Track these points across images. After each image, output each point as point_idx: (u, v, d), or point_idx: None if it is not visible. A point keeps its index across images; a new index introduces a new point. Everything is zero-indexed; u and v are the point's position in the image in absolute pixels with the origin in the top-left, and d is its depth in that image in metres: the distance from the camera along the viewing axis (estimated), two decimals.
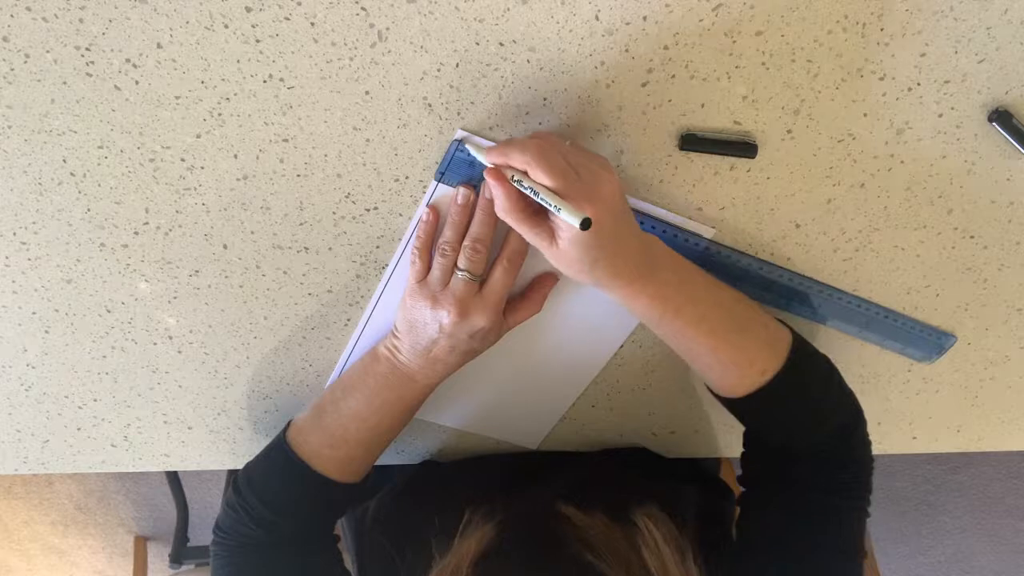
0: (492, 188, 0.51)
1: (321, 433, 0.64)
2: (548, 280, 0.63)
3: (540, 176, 0.47)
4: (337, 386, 0.65)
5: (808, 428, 0.59)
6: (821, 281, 0.65)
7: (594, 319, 0.67)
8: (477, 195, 0.56)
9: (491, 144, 0.53)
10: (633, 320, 0.67)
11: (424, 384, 0.63)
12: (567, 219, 0.46)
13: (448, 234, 0.57)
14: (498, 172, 0.51)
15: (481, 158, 0.53)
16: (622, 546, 0.53)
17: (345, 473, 0.64)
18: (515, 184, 0.50)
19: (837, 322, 0.68)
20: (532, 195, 0.48)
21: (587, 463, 0.76)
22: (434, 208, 0.58)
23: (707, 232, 0.61)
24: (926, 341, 0.71)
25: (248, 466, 0.67)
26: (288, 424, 0.66)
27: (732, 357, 0.58)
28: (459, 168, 0.56)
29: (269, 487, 0.64)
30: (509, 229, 0.56)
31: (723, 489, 0.80)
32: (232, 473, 1.52)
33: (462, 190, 0.56)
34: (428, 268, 0.58)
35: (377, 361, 0.63)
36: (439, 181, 0.57)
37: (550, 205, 0.47)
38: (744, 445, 0.65)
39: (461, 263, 0.56)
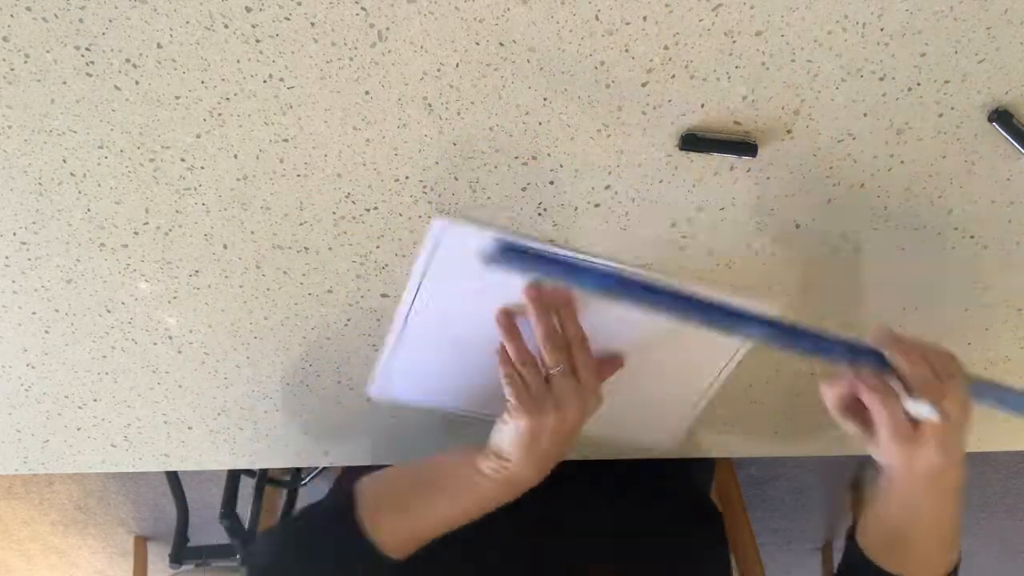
0: (876, 396, 0.53)
1: (402, 526, 0.62)
2: (616, 363, 0.64)
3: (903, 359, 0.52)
4: (424, 482, 0.64)
5: None
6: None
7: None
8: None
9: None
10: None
11: (524, 488, 0.62)
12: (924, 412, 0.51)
13: (518, 345, 0.58)
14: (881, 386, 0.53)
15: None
16: None
17: (406, 554, 0.62)
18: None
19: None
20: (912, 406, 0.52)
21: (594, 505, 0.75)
22: (509, 331, 0.59)
23: (773, 309, 0.59)
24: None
25: (305, 527, 0.65)
26: (352, 495, 0.63)
27: (952, 537, 0.62)
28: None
29: (326, 560, 0.62)
30: (563, 317, 0.58)
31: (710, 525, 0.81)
32: (233, 473, 1.52)
33: (530, 293, 0.57)
34: (523, 382, 0.58)
35: (481, 476, 0.61)
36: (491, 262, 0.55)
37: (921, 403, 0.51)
38: None
39: (548, 362, 0.57)
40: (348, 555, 0.62)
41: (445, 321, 0.61)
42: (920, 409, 0.52)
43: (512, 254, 0.54)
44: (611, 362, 0.64)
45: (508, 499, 0.62)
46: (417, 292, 0.59)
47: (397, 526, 0.62)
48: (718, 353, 0.66)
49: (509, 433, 0.59)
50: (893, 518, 0.62)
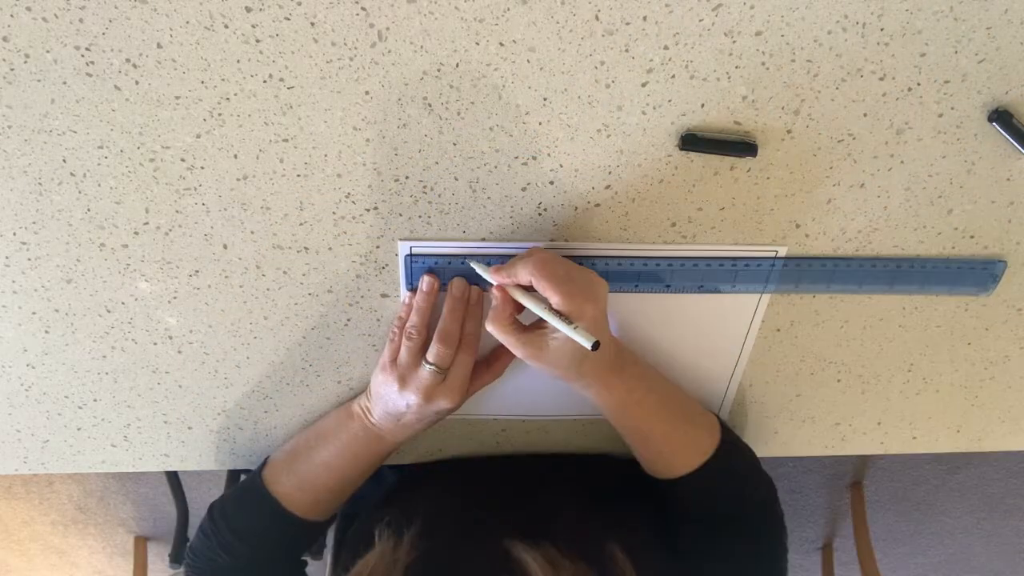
0: (497, 302, 0.57)
1: (293, 476, 0.68)
2: (509, 355, 0.66)
3: (545, 286, 0.53)
4: (312, 433, 0.70)
5: (739, 501, 0.66)
6: (833, 256, 0.64)
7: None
8: (442, 287, 0.62)
9: (486, 265, 0.60)
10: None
11: (392, 442, 0.67)
12: (580, 340, 0.52)
13: (415, 319, 0.61)
14: (503, 289, 0.57)
15: (487, 276, 0.58)
16: None
17: (312, 512, 0.69)
18: (518, 298, 0.56)
19: (868, 286, 0.66)
20: (540, 314, 0.54)
21: (562, 488, 0.75)
22: (413, 293, 0.63)
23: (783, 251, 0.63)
24: (974, 274, 0.65)
25: (224, 496, 0.71)
26: (265, 462, 0.71)
27: (682, 441, 0.65)
28: (419, 274, 0.62)
29: (240, 518, 0.68)
30: (467, 315, 0.62)
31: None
32: (233, 473, 1.52)
33: (426, 279, 0.61)
34: (396, 353, 0.62)
35: (351, 419, 0.68)
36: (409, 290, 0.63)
37: (561, 325, 0.53)
38: (668, 523, 0.68)
39: (430, 357, 0.60)
40: (260, 516, 0.68)
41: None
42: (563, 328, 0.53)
43: (419, 260, 0.61)
44: (488, 375, 0.66)
45: (379, 450, 0.68)
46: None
47: (289, 478, 0.68)
48: (735, 317, 0.67)
49: (372, 384, 0.65)
50: (622, 429, 0.65)
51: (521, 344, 0.56)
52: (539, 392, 0.73)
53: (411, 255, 0.61)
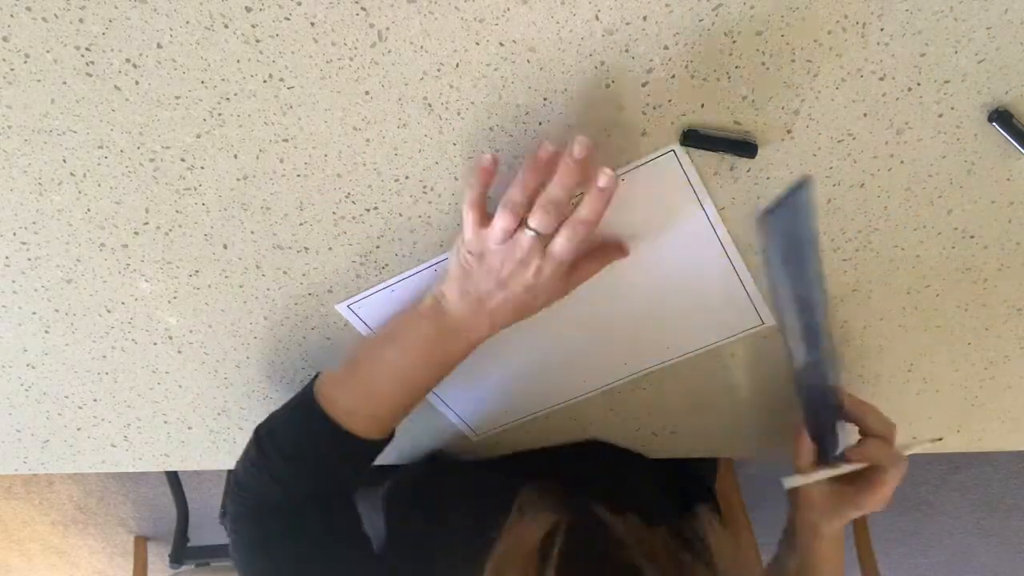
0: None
1: (353, 387, 0.60)
2: (617, 251, 0.60)
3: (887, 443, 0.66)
4: (375, 337, 0.62)
5: None
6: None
7: (687, 309, 0.67)
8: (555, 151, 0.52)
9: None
10: (731, 328, 0.70)
11: (468, 339, 0.58)
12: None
13: (517, 195, 0.52)
14: None
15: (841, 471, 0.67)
16: (666, 554, 0.55)
17: (373, 430, 0.61)
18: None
19: None
20: (843, 465, 0.66)
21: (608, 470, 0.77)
22: (496, 158, 0.53)
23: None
24: None
25: (271, 418, 0.62)
26: (315, 376, 0.62)
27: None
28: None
29: (292, 443, 0.60)
30: (584, 194, 0.52)
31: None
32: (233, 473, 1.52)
33: (545, 143, 0.51)
34: (484, 218, 0.54)
35: (419, 315, 0.59)
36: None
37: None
38: None
39: (532, 221, 0.52)
40: (315, 437, 0.60)
41: None
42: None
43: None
44: (589, 265, 0.59)
45: (454, 353, 0.59)
46: (443, 259, 0.61)
47: (349, 394, 0.60)
48: (705, 240, 0.63)
49: (454, 253, 0.56)
50: (797, 568, 0.72)
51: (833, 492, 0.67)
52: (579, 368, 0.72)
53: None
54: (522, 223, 0.52)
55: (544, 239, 0.53)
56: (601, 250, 0.60)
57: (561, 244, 0.53)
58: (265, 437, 0.60)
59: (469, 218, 0.54)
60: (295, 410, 0.62)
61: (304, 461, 0.60)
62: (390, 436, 0.64)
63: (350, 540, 0.61)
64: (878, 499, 0.67)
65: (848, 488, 0.67)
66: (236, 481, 0.62)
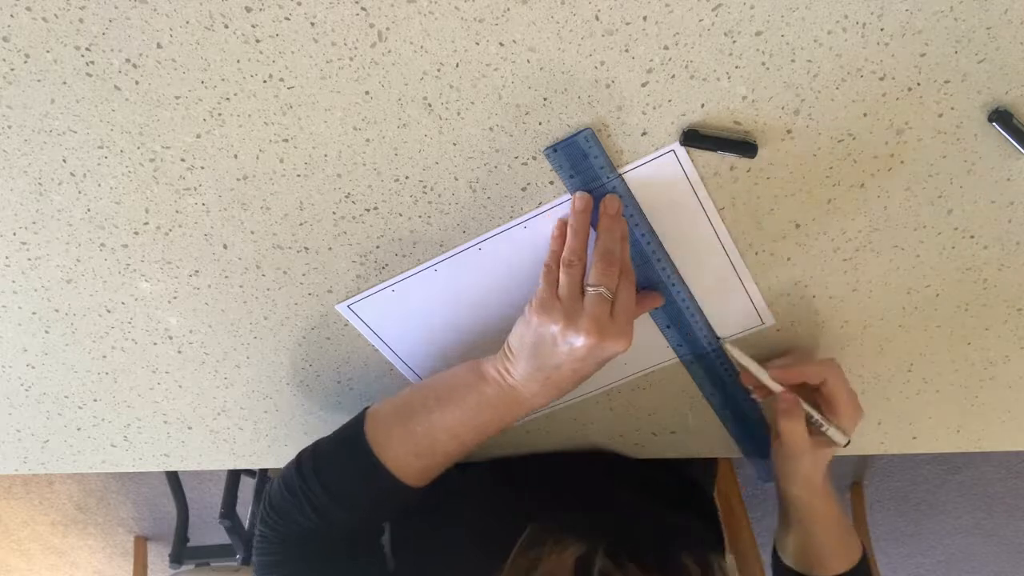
0: (784, 404, 0.65)
1: (407, 439, 0.60)
2: (653, 301, 0.64)
3: (840, 386, 0.65)
4: (430, 393, 0.62)
5: None
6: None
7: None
8: (596, 201, 0.56)
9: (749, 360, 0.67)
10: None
11: (530, 407, 0.59)
12: (838, 437, 0.67)
13: (573, 243, 0.55)
14: (791, 394, 0.65)
15: (770, 385, 0.66)
16: None
17: (421, 479, 0.62)
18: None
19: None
20: (813, 412, 0.66)
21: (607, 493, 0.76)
22: (563, 221, 0.57)
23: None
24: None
25: (318, 451, 0.63)
26: (364, 415, 0.63)
27: (840, 547, 0.74)
28: (579, 164, 0.55)
29: (338, 479, 0.60)
30: (618, 244, 0.57)
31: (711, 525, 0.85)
32: (233, 473, 1.52)
33: (580, 196, 0.56)
34: (555, 281, 0.55)
35: (484, 381, 0.59)
36: (571, 189, 0.57)
37: (821, 424, 0.66)
38: None
39: (593, 279, 0.54)
40: (364, 479, 0.60)
41: (456, 292, 0.64)
42: (832, 432, 0.66)
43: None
44: (650, 299, 0.63)
45: (510, 418, 0.60)
46: (443, 259, 0.62)
47: (401, 441, 0.60)
48: (705, 241, 0.63)
49: (521, 332, 0.56)
50: (798, 526, 0.73)
51: (810, 446, 0.66)
52: None
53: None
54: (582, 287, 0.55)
55: (610, 293, 0.54)
56: (640, 300, 0.62)
57: (622, 299, 0.55)
58: (308, 466, 0.61)
59: (545, 282, 0.55)
60: (342, 444, 0.62)
61: (346, 497, 0.60)
62: (431, 485, 0.64)
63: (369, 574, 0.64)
64: (842, 409, 0.66)
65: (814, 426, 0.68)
66: (270, 504, 0.62)
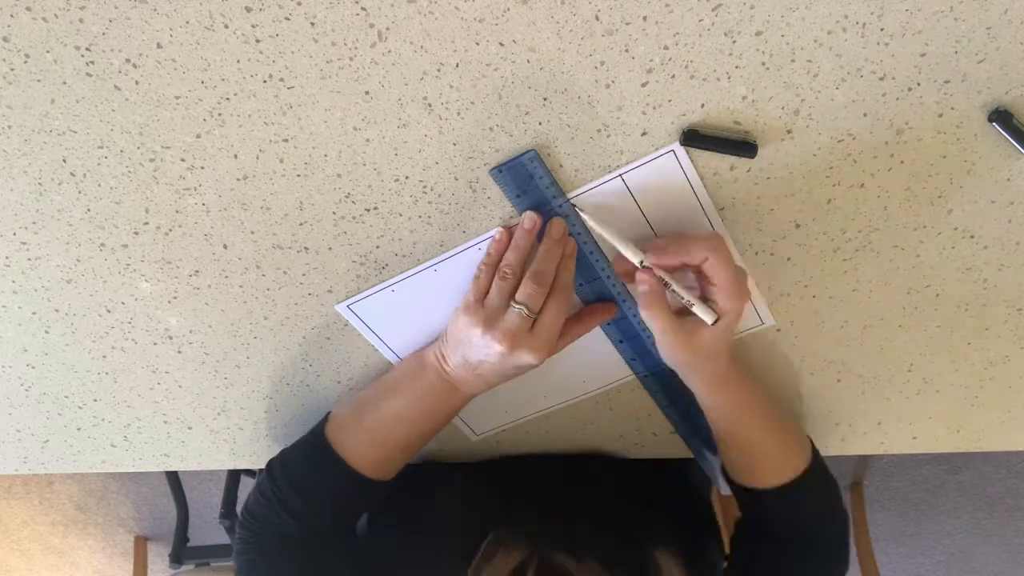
0: (643, 285, 0.56)
1: (361, 432, 0.65)
2: (605, 312, 0.64)
3: (721, 262, 0.54)
4: (380, 386, 0.66)
5: (817, 525, 0.69)
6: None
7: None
8: (544, 222, 0.58)
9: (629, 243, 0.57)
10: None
11: (467, 394, 0.64)
12: (702, 314, 0.56)
13: (511, 257, 0.57)
14: (651, 272, 0.56)
15: (629, 254, 0.56)
16: None
17: (380, 471, 0.65)
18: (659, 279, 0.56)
19: None
20: (682, 293, 0.56)
21: (588, 489, 0.76)
22: (508, 229, 0.59)
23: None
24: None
25: (284, 455, 0.67)
26: (327, 417, 0.67)
27: (777, 452, 0.67)
28: (525, 185, 0.57)
29: (305, 479, 0.65)
30: (560, 264, 0.58)
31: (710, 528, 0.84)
32: (233, 473, 1.52)
33: (529, 215, 0.57)
34: (488, 288, 0.58)
35: (424, 368, 0.64)
36: (518, 209, 0.58)
37: (691, 303, 0.56)
38: (740, 531, 0.72)
39: (520, 296, 0.56)
40: (326, 476, 0.65)
41: (456, 292, 0.63)
42: (698, 308, 0.56)
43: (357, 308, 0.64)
44: (576, 330, 0.63)
45: (453, 402, 0.64)
46: (443, 259, 0.62)
47: (356, 435, 0.64)
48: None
49: (453, 322, 0.60)
50: (726, 435, 0.66)
51: (673, 330, 0.57)
52: (555, 379, 0.73)
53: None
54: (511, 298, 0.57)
55: (532, 314, 0.56)
56: (589, 313, 0.64)
57: (546, 318, 0.57)
58: (278, 471, 0.65)
59: (474, 285, 0.59)
60: (307, 448, 0.67)
61: (314, 496, 0.64)
62: (394, 478, 0.68)
63: (346, 570, 0.66)
64: (720, 286, 0.55)
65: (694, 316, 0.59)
66: (246, 509, 0.67)
